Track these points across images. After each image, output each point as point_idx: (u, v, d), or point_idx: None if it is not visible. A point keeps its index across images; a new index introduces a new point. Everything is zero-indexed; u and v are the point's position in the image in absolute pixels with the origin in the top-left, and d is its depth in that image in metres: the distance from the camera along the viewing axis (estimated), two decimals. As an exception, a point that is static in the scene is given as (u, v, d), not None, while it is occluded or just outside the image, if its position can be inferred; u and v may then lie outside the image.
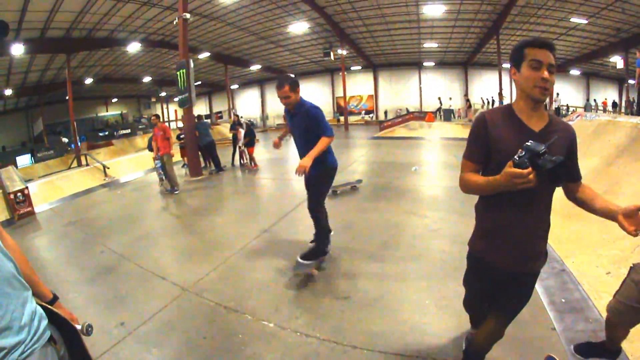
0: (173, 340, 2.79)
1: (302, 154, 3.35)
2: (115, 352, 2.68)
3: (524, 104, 1.52)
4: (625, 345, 2.15)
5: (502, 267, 1.64)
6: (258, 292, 3.36)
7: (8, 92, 20.03)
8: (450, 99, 25.70)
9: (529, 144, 1.33)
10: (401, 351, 2.40)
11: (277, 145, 3.92)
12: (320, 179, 3.46)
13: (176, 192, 7.64)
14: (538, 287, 2.79)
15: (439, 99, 25.71)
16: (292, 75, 3.26)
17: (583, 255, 3.26)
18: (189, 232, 5.43)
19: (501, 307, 1.76)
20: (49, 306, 1.41)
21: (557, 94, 21.94)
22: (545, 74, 1.42)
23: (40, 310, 1.27)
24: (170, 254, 4.65)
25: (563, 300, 2.74)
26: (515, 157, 1.32)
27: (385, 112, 28.25)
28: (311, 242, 3.89)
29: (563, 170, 1.31)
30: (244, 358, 2.47)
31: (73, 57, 17.47)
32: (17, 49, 14.05)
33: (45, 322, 1.25)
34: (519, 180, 1.30)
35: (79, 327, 1.51)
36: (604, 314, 2.42)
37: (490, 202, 1.62)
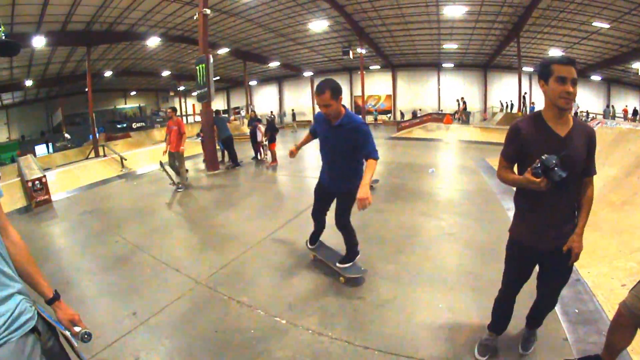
0: (184, 332, 2.80)
1: (332, 173, 3.15)
2: (125, 342, 2.70)
3: (551, 112, 1.79)
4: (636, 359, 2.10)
5: (539, 247, 1.93)
6: (272, 288, 3.36)
7: (29, 83, 20.46)
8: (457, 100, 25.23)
9: (544, 157, 1.65)
10: (413, 354, 2.37)
11: (293, 155, 3.57)
12: (353, 195, 3.05)
13: (180, 190, 7.46)
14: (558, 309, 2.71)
15: (457, 100, 25.40)
16: (330, 79, 2.97)
17: (599, 266, 3.16)
18: (204, 225, 5.47)
19: (546, 283, 2.09)
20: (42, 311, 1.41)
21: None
22: (570, 88, 1.68)
23: (25, 304, 1.28)
24: (185, 246, 4.68)
25: (577, 311, 2.67)
26: (533, 165, 1.68)
27: (402, 113, 28.00)
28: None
29: (570, 178, 1.65)
30: (255, 354, 2.47)
31: (93, 50, 17.74)
32: (39, 41, 14.30)
33: (28, 315, 1.26)
34: (534, 186, 1.69)
35: (76, 330, 1.48)
36: None
37: (529, 193, 1.84)
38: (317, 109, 3.18)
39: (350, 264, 3.44)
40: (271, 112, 21.80)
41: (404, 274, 3.45)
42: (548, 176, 1.64)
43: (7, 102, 24.08)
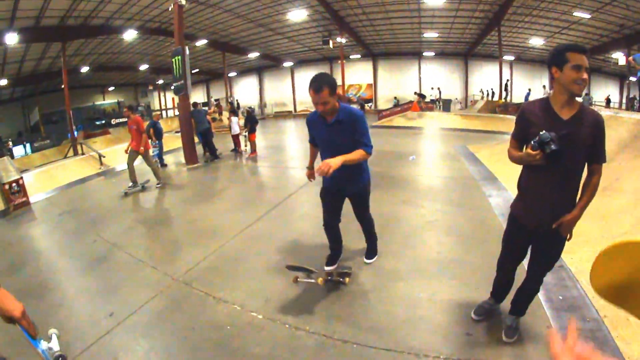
0: (162, 331, 2.75)
1: (341, 173, 2.61)
2: (103, 344, 2.64)
3: (561, 97, 1.87)
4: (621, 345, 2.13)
5: (531, 225, 2.05)
6: (248, 283, 3.30)
7: (3, 82, 19.67)
8: (432, 88, 25.37)
9: (542, 133, 1.78)
10: (393, 346, 2.35)
11: (312, 177, 3.23)
12: (368, 188, 3.14)
13: (159, 185, 7.35)
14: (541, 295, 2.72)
15: (438, 89, 25.50)
16: (325, 73, 2.77)
17: (582, 252, 3.18)
18: (182, 220, 5.38)
19: (532, 264, 2.18)
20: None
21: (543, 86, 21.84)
22: (584, 75, 1.76)
23: None
24: (162, 242, 4.60)
25: (560, 298, 2.68)
26: (533, 140, 1.82)
27: (396, 100, 27.81)
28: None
29: (562, 155, 1.77)
30: (232, 351, 2.42)
31: (68, 45, 17.09)
32: (11, 38, 13.74)
33: None
34: (530, 158, 1.83)
35: (43, 347, 1.42)
36: (602, 313, 2.40)
37: (529, 172, 2.04)
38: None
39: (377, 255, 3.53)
40: (249, 107, 21.58)
41: (384, 264, 3.43)
42: (543, 149, 1.78)
43: None
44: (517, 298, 2.35)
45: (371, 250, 3.53)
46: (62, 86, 17.32)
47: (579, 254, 3.15)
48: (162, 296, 3.19)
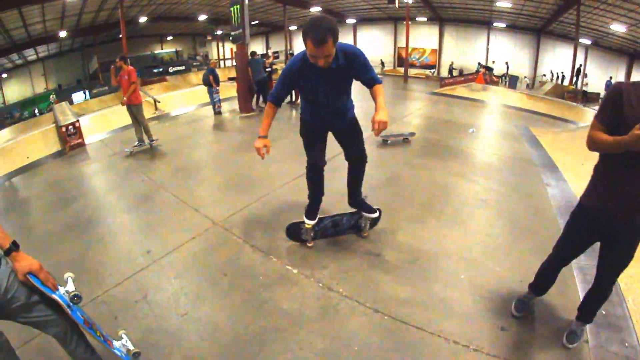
0: (194, 273, 2.79)
1: (329, 111, 2.66)
2: (136, 279, 2.73)
3: None
4: None
5: (612, 213, 1.79)
6: (288, 235, 3.23)
7: (63, 34, 20.37)
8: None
9: None
10: (424, 325, 2.21)
11: (267, 151, 2.69)
12: (357, 124, 2.86)
13: (153, 142, 6.51)
14: (581, 292, 2.47)
15: (506, 63, 23.67)
16: (325, 17, 2.20)
17: (635, 268, 2.79)
18: (230, 166, 5.41)
19: (606, 262, 1.94)
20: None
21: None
22: None
23: None
24: (208, 186, 4.66)
25: (604, 313, 2.38)
26: None
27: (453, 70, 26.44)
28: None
29: None
30: (261, 301, 2.40)
31: (127, -4, 17.42)
32: None
33: None
34: (636, 139, 1.48)
35: (60, 292, 1.48)
36: None
37: (610, 161, 1.78)
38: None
39: (376, 211, 3.11)
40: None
41: (429, 236, 3.23)
42: None
43: (42, 54, 24.35)
44: (586, 302, 2.12)
45: (368, 204, 3.12)
46: (121, 36, 17.80)
47: (633, 270, 2.75)
48: (200, 239, 3.23)
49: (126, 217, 3.94)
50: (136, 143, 6.46)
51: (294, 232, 3.07)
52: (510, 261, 2.90)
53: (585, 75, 20.31)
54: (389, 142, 6.12)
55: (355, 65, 2.41)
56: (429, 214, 3.64)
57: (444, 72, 26.15)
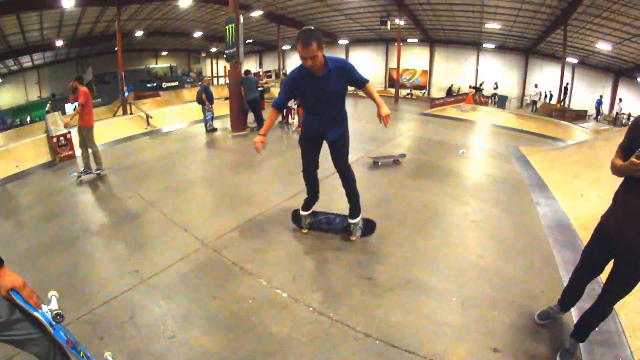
0: (183, 295, 2.73)
1: (324, 120, 3.10)
2: (124, 299, 2.67)
3: None
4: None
5: (617, 240, 1.91)
6: (279, 258, 3.22)
7: (59, 43, 20.46)
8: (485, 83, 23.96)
9: None
10: (415, 349, 2.18)
11: (260, 150, 3.02)
12: (347, 135, 3.25)
13: (100, 171, 6.01)
14: (574, 310, 2.48)
15: (495, 83, 24.19)
16: (312, 28, 2.79)
17: None
18: (221, 186, 5.39)
19: (611, 283, 2.00)
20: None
21: (620, 100, 19.93)
22: None
23: None
24: (198, 206, 4.62)
25: (597, 330, 2.38)
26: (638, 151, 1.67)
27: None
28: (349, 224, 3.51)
29: None
30: (250, 325, 2.35)
31: (124, 10, 17.46)
32: (68, 2, 14.07)
33: None
34: (634, 167, 1.69)
35: (43, 310, 1.44)
36: (637, 357, 2.14)
37: (628, 184, 1.90)
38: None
39: (361, 216, 3.41)
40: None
41: (419, 259, 3.22)
42: None
43: (38, 62, 24.37)
44: (582, 321, 2.15)
45: (355, 209, 3.40)
46: (116, 49, 17.87)
47: None
48: (188, 260, 3.18)
49: (114, 234, 3.88)
50: (82, 169, 5.93)
51: (296, 218, 3.64)
52: (501, 282, 2.89)
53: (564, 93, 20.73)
54: (379, 163, 6.12)
55: (345, 70, 2.94)
56: (420, 236, 3.64)
57: (436, 93, 26.49)
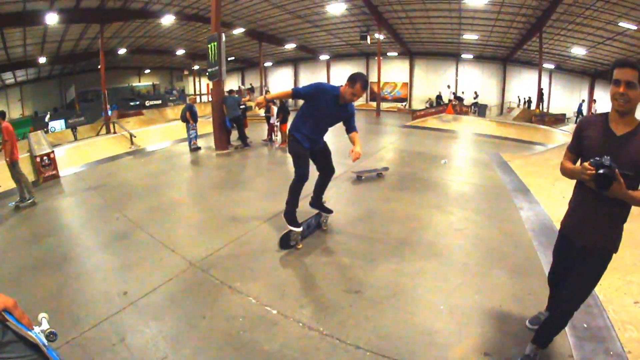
0: (173, 315, 2.71)
1: (319, 136, 3.70)
2: (113, 321, 2.64)
3: (613, 112, 1.82)
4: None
5: (576, 240, 1.99)
6: (267, 275, 3.23)
7: (42, 60, 20.32)
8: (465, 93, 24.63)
9: (605, 157, 1.66)
10: (406, 358, 2.22)
11: (260, 106, 3.85)
12: (328, 148, 3.85)
13: (28, 201, 5.68)
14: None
15: (475, 92, 24.78)
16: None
17: (612, 279, 2.93)
18: (206, 205, 5.37)
19: (570, 285, 2.01)
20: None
21: (594, 101, 20.68)
22: (622, 88, 1.70)
23: None
24: (184, 226, 4.60)
25: (585, 326, 2.47)
26: (593, 159, 1.70)
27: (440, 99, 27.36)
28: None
29: (609, 185, 1.66)
30: (241, 344, 2.35)
31: (107, 27, 17.46)
32: (52, 19, 14.06)
33: None
34: (581, 173, 1.74)
35: (36, 331, 1.45)
36: (627, 349, 2.22)
37: (580, 188, 1.96)
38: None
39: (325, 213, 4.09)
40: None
41: (406, 270, 3.28)
42: (596, 169, 1.67)
43: (20, 78, 24.08)
44: (542, 327, 2.17)
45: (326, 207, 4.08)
46: (99, 66, 17.80)
47: (608, 281, 2.89)
48: (177, 280, 3.17)
49: (101, 255, 3.84)
50: (18, 198, 5.74)
51: (285, 242, 3.62)
52: (488, 287, 2.97)
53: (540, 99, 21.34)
54: (363, 178, 6.17)
55: (351, 114, 3.60)
56: (405, 247, 3.70)
57: (417, 105, 26.86)
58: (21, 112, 24.99)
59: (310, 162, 3.72)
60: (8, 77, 22.84)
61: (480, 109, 22.33)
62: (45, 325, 1.51)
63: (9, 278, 3.36)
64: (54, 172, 7.29)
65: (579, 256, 1.98)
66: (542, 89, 20.83)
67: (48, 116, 21.75)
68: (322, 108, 3.47)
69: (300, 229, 3.65)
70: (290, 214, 3.67)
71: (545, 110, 21.80)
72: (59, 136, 17.17)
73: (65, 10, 14.53)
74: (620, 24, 15.02)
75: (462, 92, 25.10)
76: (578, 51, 19.40)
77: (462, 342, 2.36)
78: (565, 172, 1.99)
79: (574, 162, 2.00)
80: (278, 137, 10.30)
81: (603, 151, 1.72)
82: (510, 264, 3.33)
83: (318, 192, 3.96)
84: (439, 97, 25.61)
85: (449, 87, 24.60)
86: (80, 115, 21.89)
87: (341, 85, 3.46)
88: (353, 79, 3.30)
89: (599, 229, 1.88)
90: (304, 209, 4.01)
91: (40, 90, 25.57)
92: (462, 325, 2.52)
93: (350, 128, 3.60)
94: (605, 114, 1.89)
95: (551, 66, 23.00)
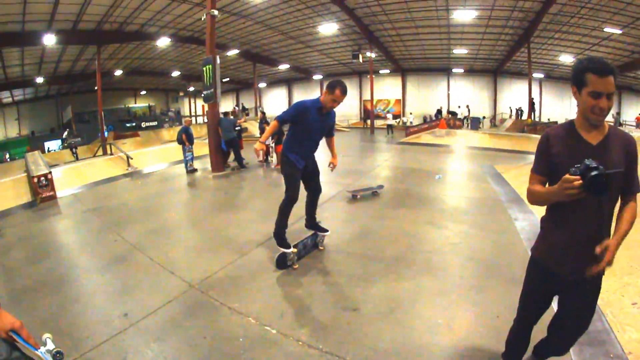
0: (173, 337, 2.72)
1: (311, 152, 3.77)
2: (114, 343, 2.65)
3: (583, 121, 1.61)
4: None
5: (559, 271, 1.72)
6: (266, 295, 3.26)
7: (40, 80, 20.73)
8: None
9: (586, 160, 1.42)
10: (407, 372, 2.24)
11: (261, 154, 4.04)
12: (317, 168, 3.91)
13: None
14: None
15: (467, 106, 25.18)
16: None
17: (609, 283, 2.99)
18: (204, 227, 5.40)
19: (559, 324, 1.87)
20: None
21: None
22: (603, 103, 1.49)
23: None
24: (182, 248, 4.61)
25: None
26: (572, 168, 1.45)
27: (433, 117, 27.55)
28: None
29: (607, 184, 1.39)
30: (242, 364, 2.38)
31: (103, 49, 17.88)
32: (49, 40, 14.44)
33: None
34: (567, 185, 1.43)
35: (42, 350, 1.48)
36: (627, 350, 2.24)
37: (557, 208, 1.72)
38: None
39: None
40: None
41: (403, 286, 3.31)
42: (584, 177, 1.41)
43: (18, 98, 24.45)
44: (541, 348, 2.07)
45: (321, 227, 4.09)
46: (96, 87, 18.03)
47: (606, 285, 2.92)
48: (177, 302, 3.19)
49: (100, 277, 3.84)
50: None
51: (281, 262, 3.68)
52: (485, 298, 3.01)
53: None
54: (358, 197, 6.21)
55: (333, 119, 3.74)
56: (402, 264, 3.74)
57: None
58: (18, 131, 25.14)
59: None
60: (5, 96, 23.18)
61: (473, 122, 22.64)
62: (50, 345, 1.53)
63: (8, 300, 3.35)
64: (51, 193, 7.30)
65: (568, 285, 1.74)
66: (532, 98, 21.24)
67: (66, 132, 21.67)
68: (311, 123, 3.54)
69: (290, 250, 3.68)
70: (279, 235, 3.73)
71: (537, 119, 22.15)
72: (55, 156, 17.22)
73: (62, 31, 14.89)
74: (606, 29, 15.52)
75: (459, 107, 25.45)
76: (566, 59, 19.93)
77: (459, 356, 2.39)
78: (539, 197, 1.70)
79: (544, 185, 1.72)
80: (273, 158, 10.39)
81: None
82: (506, 276, 3.37)
83: (310, 212, 4.01)
84: (439, 111, 25.94)
85: (448, 111, 24.85)
86: (77, 136, 21.99)
87: (320, 96, 3.54)
88: (332, 85, 3.38)
89: (589, 254, 1.56)
90: (301, 228, 4.06)
91: (37, 110, 25.84)
92: (460, 338, 2.55)
93: (329, 134, 3.81)
94: (570, 123, 1.67)
95: (541, 75, 23.53)
